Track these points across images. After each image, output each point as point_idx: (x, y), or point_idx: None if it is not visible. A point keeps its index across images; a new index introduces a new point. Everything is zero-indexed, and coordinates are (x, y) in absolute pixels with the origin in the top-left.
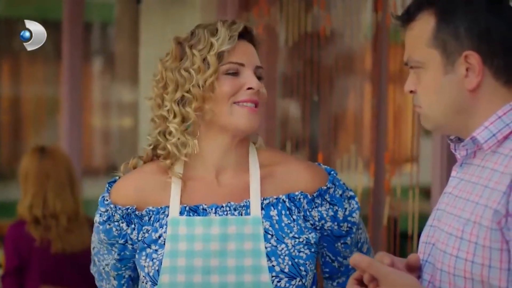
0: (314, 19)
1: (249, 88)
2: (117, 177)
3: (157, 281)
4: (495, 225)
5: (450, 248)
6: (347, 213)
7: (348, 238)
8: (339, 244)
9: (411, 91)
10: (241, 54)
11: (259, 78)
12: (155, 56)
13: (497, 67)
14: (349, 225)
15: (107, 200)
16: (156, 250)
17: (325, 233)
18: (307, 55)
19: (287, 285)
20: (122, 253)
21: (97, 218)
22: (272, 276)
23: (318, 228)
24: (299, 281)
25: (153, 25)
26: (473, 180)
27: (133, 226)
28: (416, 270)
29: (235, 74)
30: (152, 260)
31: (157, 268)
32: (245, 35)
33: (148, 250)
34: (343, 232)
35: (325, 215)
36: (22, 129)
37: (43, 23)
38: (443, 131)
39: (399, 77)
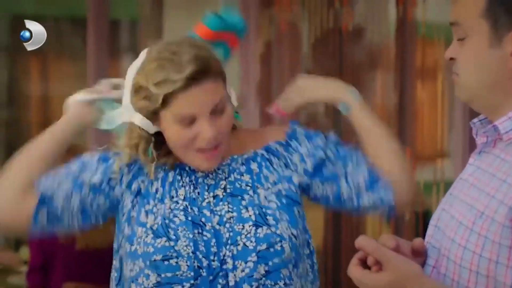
0: (337, 14)
1: (204, 139)
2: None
3: (162, 234)
4: (508, 222)
5: (459, 237)
6: (318, 143)
7: (335, 167)
8: (326, 169)
9: (451, 58)
10: (191, 104)
11: (221, 111)
12: None
13: None
14: (330, 153)
15: (109, 149)
16: (156, 205)
17: (310, 173)
18: (330, 50)
19: (252, 232)
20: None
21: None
22: (249, 226)
23: (302, 172)
24: (266, 229)
25: (176, 22)
26: (491, 171)
27: (132, 167)
28: (421, 254)
29: (190, 123)
30: (154, 215)
31: (160, 222)
32: (196, 75)
33: (147, 206)
34: (329, 164)
35: (305, 155)
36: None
37: (70, 20)
38: (475, 105)
39: (423, 72)
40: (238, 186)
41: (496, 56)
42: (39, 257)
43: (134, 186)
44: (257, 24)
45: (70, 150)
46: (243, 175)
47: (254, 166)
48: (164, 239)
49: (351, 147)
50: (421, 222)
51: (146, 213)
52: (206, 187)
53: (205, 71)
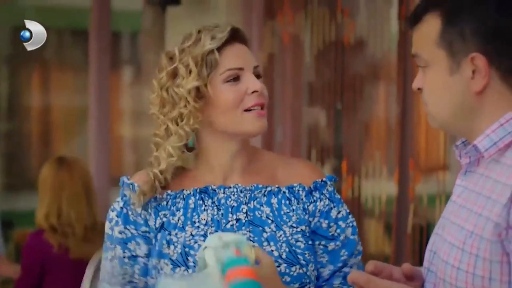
0: (339, 27)
1: (253, 92)
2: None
3: (180, 263)
4: (496, 238)
5: (452, 259)
6: (340, 216)
7: (331, 244)
8: (318, 243)
9: (418, 88)
10: (237, 58)
11: (258, 77)
12: None
13: (505, 70)
14: (338, 231)
15: (126, 182)
16: (176, 234)
17: (312, 230)
18: (332, 63)
19: (287, 270)
20: (149, 245)
21: (112, 214)
22: None
23: (311, 222)
24: (299, 269)
25: (178, 34)
26: (477, 190)
27: (149, 211)
28: (413, 278)
29: (236, 80)
30: (174, 244)
31: (179, 251)
32: (236, 37)
33: (168, 237)
34: (329, 234)
35: (318, 209)
36: (51, 139)
37: (72, 32)
38: (449, 131)
39: None
40: (258, 215)
41: (458, 82)
42: (30, 275)
43: (158, 222)
44: (260, 37)
45: None
46: (263, 206)
47: (274, 201)
48: (183, 268)
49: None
50: (424, 234)
51: (168, 243)
52: (230, 209)
53: (243, 36)
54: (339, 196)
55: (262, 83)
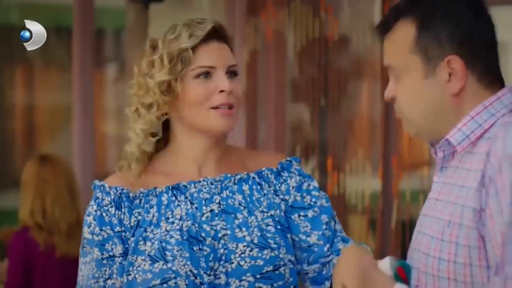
0: (322, 23)
1: (221, 91)
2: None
3: (158, 258)
4: (474, 224)
5: (432, 250)
6: (311, 187)
7: (310, 211)
8: (296, 216)
9: (391, 98)
10: (210, 56)
11: (233, 74)
12: None
13: (480, 71)
14: (314, 199)
15: (97, 184)
16: (152, 231)
17: (288, 206)
18: (315, 59)
19: (259, 254)
20: (125, 245)
21: (88, 219)
22: (244, 246)
23: (284, 202)
24: (271, 252)
25: (161, 32)
26: (451, 182)
27: (123, 210)
28: None
29: (207, 77)
30: (151, 241)
31: (157, 246)
32: (215, 34)
33: (144, 233)
34: (305, 204)
35: (291, 187)
36: (35, 137)
37: (56, 30)
38: (425, 136)
39: None
40: (231, 203)
41: (434, 86)
42: (18, 274)
43: (133, 221)
44: (243, 33)
45: None
46: (235, 194)
47: (245, 188)
48: (162, 262)
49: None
50: (407, 230)
51: (144, 240)
52: (204, 201)
53: (224, 35)
54: (308, 173)
55: (239, 82)
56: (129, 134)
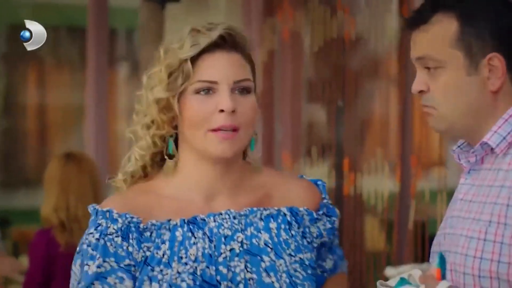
0: (339, 24)
1: (221, 111)
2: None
3: None
4: None
5: (472, 250)
6: (336, 224)
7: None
8: (323, 249)
9: (421, 91)
10: (212, 69)
11: (244, 91)
12: None
13: None
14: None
15: (101, 210)
16: (161, 271)
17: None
18: (332, 60)
19: None
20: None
21: (84, 246)
22: None
23: (315, 245)
24: None
25: (177, 31)
26: (487, 184)
27: (131, 241)
28: None
29: (208, 93)
30: (159, 283)
31: None
32: (222, 44)
33: (151, 273)
34: (329, 242)
35: (322, 230)
36: (48, 136)
37: (68, 30)
38: (455, 133)
39: None
40: (256, 243)
41: (475, 83)
42: (39, 272)
43: (141, 256)
44: (260, 33)
45: None
46: (260, 232)
47: (272, 225)
48: None
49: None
50: (427, 231)
51: (150, 281)
52: (223, 239)
53: (236, 43)
54: (332, 206)
55: (251, 100)
56: (132, 156)
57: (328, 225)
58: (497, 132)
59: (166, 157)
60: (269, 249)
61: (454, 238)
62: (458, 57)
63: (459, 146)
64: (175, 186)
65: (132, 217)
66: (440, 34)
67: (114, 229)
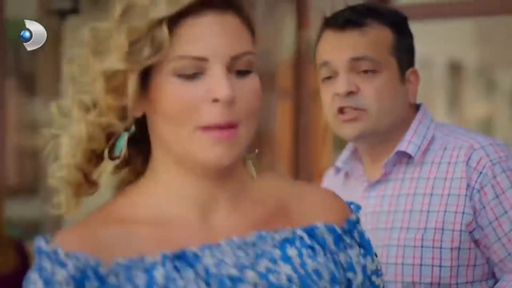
0: None
1: (215, 100)
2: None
3: None
4: (464, 227)
5: (410, 259)
6: (375, 260)
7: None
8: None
9: (350, 92)
10: (201, 40)
11: (244, 73)
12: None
13: None
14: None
15: (44, 249)
16: None
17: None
18: None
19: None
20: None
21: None
22: None
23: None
24: None
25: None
26: (407, 192)
27: None
28: None
29: (194, 76)
30: None
31: None
32: (214, 1)
33: None
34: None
35: (355, 263)
36: None
37: None
38: (372, 138)
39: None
40: (275, 280)
41: (402, 92)
42: None
43: None
44: None
45: None
46: (278, 264)
47: (292, 253)
48: None
49: None
50: None
51: None
52: (228, 282)
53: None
54: (367, 237)
55: (254, 83)
56: (60, 148)
57: (362, 260)
58: (411, 141)
59: (107, 158)
60: (294, 286)
61: (381, 251)
62: (393, 64)
63: (343, 162)
64: (152, 204)
65: (87, 259)
66: (379, 39)
67: (62, 276)
